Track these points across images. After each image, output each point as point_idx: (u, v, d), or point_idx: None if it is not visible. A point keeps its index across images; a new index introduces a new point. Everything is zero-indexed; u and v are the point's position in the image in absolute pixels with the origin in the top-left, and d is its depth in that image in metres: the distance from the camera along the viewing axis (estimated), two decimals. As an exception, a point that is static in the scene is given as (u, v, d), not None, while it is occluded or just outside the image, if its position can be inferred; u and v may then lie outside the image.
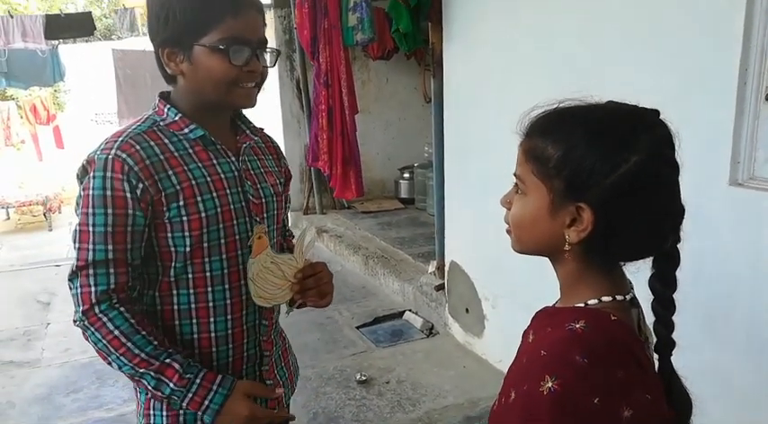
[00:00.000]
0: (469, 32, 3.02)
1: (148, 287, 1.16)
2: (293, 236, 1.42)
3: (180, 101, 1.16)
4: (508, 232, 0.84)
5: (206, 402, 1.09)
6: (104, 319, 1.06)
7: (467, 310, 3.35)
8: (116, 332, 1.06)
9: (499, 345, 3.10)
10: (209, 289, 1.16)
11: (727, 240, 1.81)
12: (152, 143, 1.10)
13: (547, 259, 0.82)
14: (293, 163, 5.71)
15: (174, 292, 1.15)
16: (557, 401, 0.66)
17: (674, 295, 0.78)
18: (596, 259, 0.77)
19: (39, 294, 4.70)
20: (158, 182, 1.08)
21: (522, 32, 2.65)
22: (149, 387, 1.08)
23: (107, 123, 8.93)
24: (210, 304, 1.17)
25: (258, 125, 1.31)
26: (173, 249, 1.12)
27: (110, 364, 1.09)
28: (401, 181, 6.21)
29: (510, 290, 2.94)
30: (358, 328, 3.74)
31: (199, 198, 1.11)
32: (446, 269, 3.52)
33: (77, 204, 1.09)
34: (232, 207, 1.15)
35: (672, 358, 0.80)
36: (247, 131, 1.25)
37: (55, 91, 9.87)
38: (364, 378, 3.07)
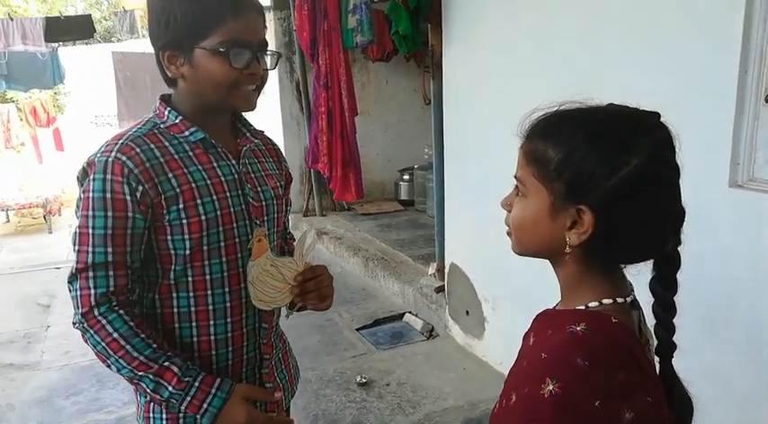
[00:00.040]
0: (469, 34, 3.02)
1: (148, 289, 1.16)
2: (294, 239, 1.42)
3: (180, 104, 1.16)
4: (509, 234, 0.84)
5: (204, 406, 1.09)
6: (103, 321, 1.06)
7: (467, 312, 3.35)
8: (115, 335, 1.06)
9: (499, 347, 3.10)
10: (209, 292, 1.16)
11: (727, 241, 1.81)
12: (152, 145, 1.10)
13: (547, 261, 0.82)
14: (293, 165, 5.71)
15: (174, 295, 1.15)
16: (558, 403, 0.66)
17: (674, 298, 0.78)
18: (597, 261, 0.77)
19: (39, 296, 4.69)
20: (158, 185, 1.08)
21: (522, 35, 2.66)
22: (148, 390, 1.07)
23: (107, 125, 8.94)
24: (210, 307, 1.16)
25: (258, 127, 1.31)
26: (172, 252, 1.12)
27: (109, 366, 1.09)
28: (401, 183, 6.21)
29: (510, 292, 2.94)
30: (358, 330, 3.74)
31: (199, 201, 1.11)
32: (446, 270, 3.52)
33: (77, 206, 1.09)
34: (232, 209, 1.15)
35: (673, 361, 0.80)
36: (248, 134, 1.25)
37: (55, 93, 9.88)
38: (364, 380, 3.06)
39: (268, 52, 1.14)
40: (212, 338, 1.18)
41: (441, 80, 3.29)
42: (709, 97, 1.82)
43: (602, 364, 0.68)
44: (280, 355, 1.34)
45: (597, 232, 0.73)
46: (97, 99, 8.78)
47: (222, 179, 1.15)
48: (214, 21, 1.05)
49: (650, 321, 0.82)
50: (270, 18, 5.67)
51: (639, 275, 0.80)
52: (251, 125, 1.28)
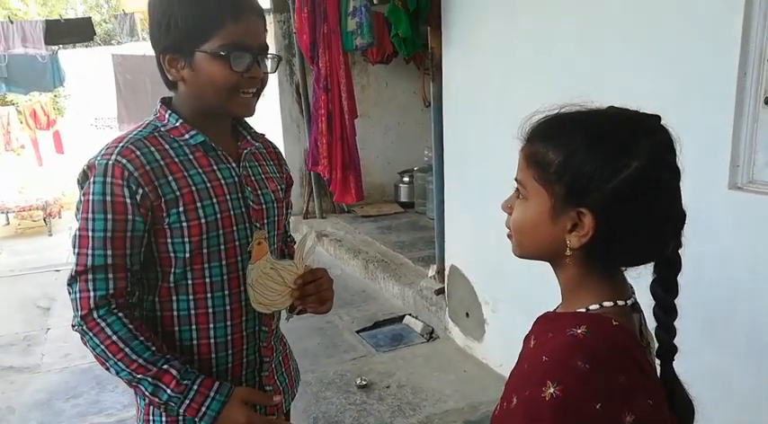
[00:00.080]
0: (469, 37, 3.03)
1: (148, 292, 1.16)
2: (295, 242, 1.42)
3: (181, 107, 1.16)
4: (509, 236, 0.84)
5: (203, 409, 1.08)
6: (102, 324, 1.06)
7: (467, 314, 3.35)
8: (114, 338, 1.06)
9: (499, 349, 3.10)
10: (209, 295, 1.16)
11: (726, 243, 1.81)
12: (152, 148, 1.10)
13: (547, 263, 0.82)
14: (293, 167, 5.71)
15: (174, 298, 1.15)
16: (559, 406, 0.66)
17: (675, 301, 0.78)
18: (597, 264, 0.77)
19: (39, 299, 4.69)
20: (158, 188, 1.08)
21: (522, 37, 2.66)
22: (147, 393, 1.07)
23: (107, 128, 8.95)
24: (210, 310, 1.16)
25: (258, 130, 1.31)
26: (172, 254, 1.12)
27: (108, 369, 1.09)
28: (401, 185, 6.21)
29: (510, 294, 2.94)
30: (358, 332, 3.74)
31: (198, 204, 1.11)
32: (446, 273, 3.52)
33: (77, 209, 1.09)
34: (232, 212, 1.15)
35: (673, 363, 0.80)
36: (248, 137, 1.25)
37: (55, 96, 9.89)
38: (365, 383, 3.06)
39: (268, 55, 1.15)
40: (212, 341, 1.18)
41: (440, 82, 3.30)
42: (709, 99, 1.82)
43: (602, 367, 0.68)
44: (280, 358, 1.34)
45: (598, 234, 0.73)
46: (97, 101, 8.79)
47: (222, 182, 1.15)
48: (214, 24, 1.06)
49: (651, 323, 0.82)
50: (269, 21, 5.68)
51: (640, 278, 0.80)
52: (251, 128, 1.28)
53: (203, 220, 1.11)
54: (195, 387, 1.08)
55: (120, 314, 1.07)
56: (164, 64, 1.11)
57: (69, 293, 1.10)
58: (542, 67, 2.53)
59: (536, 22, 2.56)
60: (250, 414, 1.12)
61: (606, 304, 0.76)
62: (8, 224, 7.69)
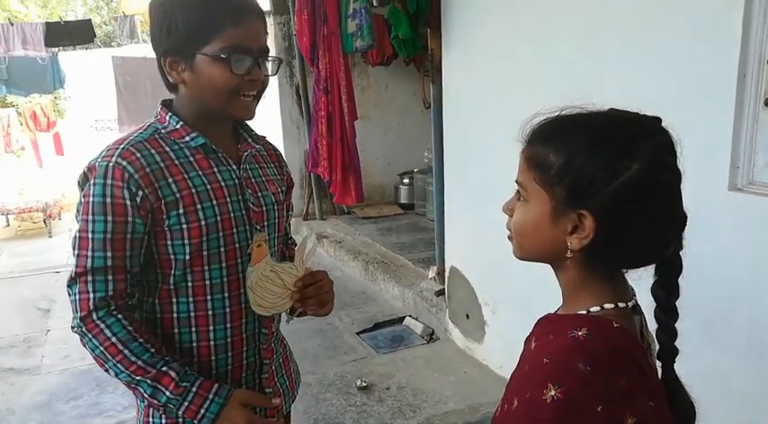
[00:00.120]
0: (468, 39, 3.03)
1: (148, 294, 1.16)
2: (296, 244, 1.42)
3: (182, 109, 1.16)
4: (510, 238, 0.84)
5: (202, 411, 1.08)
6: (102, 326, 1.06)
7: (467, 315, 3.35)
8: (113, 339, 1.06)
9: (500, 350, 3.10)
10: (209, 297, 1.16)
11: (726, 245, 1.81)
12: (153, 150, 1.10)
13: (548, 264, 0.82)
14: (293, 168, 5.71)
15: (174, 300, 1.15)
16: (560, 409, 0.66)
17: (676, 302, 0.78)
18: (598, 266, 0.77)
19: (38, 301, 4.69)
20: (158, 190, 1.08)
21: (522, 39, 2.66)
22: (146, 395, 1.07)
23: (107, 130, 8.95)
24: (210, 312, 1.16)
25: (258, 132, 1.31)
26: (172, 257, 1.12)
27: (107, 371, 1.09)
28: (401, 187, 6.21)
29: (510, 296, 2.94)
30: (358, 334, 3.73)
31: (198, 206, 1.11)
32: (446, 274, 3.52)
33: (78, 211, 1.09)
34: (232, 215, 1.15)
35: (674, 365, 0.80)
36: (249, 139, 1.25)
37: (55, 98, 9.89)
38: (365, 384, 3.06)
39: (269, 58, 1.15)
40: (212, 343, 1.18)
41: (440, 84, 3.30)
42: (709, 100, 1.82)
43: (603, 369, 0.68)
44: (280, 360, 1.34)
45: (598, 236, 0.73)
46: (97, 103, 8.80)
47: (222, 184, 1.15)
48: (215, 27, 1.06)
49: (651, 325, 0.82)
50: (269, 22, 5.68)
51: (641, 280, 0.80)
52: (252, 130, 1.28)
53: (203, 222, 1.11)
54: (194, 389, 1.08)
55: (120, 316, 1.07)
56: (165, 66, 1.11)
57: (69, 294, 1.10)
58: (542, 69, 2.53)
59: (536, 24, 2.56)
60: (249, 416, 1.12)
61: (607, 306, 0.76)
62: (8, 225, 7.69)
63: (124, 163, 1.06)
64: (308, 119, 5.55)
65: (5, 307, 4.61)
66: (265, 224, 1.22)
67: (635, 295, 0.81)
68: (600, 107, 0.78)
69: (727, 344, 1.86)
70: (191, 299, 1.15)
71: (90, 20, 7.34)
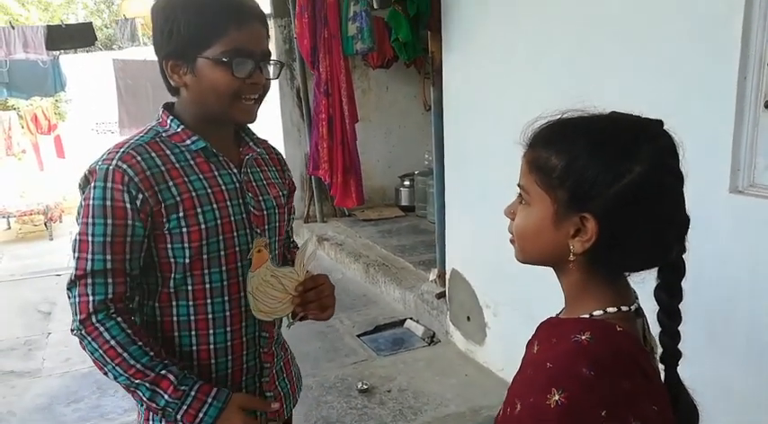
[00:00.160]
0: (469, 41, 3.03)
1: (148, 297, 1.16)
2: (297, 247, 1.42)
3: (183, 113, 1.16)
4: (512, 242, 0.84)
5: (200, 415, 1.08)
6: (101, 329, 1.06)
7: (468, 318, 3.34)
8: (112, 342, 1.06)
9: (501, 353, 3.09)
10: (209, 301, 1.15)
11: (727, 247, 1.81)
12: (153, 154, 1.10)
13: (549, 267, 0.82)
14: (294, 171, 5.68)
15: (174, 303, 1.15)
16: (564, 414, 0.66)
17: (679, 305, 0.78)
18: (601, 269, 0.76)
19: (39, 303, 4.69)
20: (158, 193, 1.08)
21: (522, 41, 2.66)
22: (144, 398, 1.07)
23: (108, 132, 8.95)
24: (210, 315, 1.16)
25: (259, 134, 1.31)
26: (172, 260, 1.12)
27: (106, 374, 1.09)
28: (401, 189, 6.21)
29: (511, 298, 2.94)
30: (359, 336, 3.73)
31: (199, 210, 1.11)
32: (447, 276, 3.52)
33: (78, 213, 1.09)
34: (232, 218, 1.15)
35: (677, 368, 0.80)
36: (251, 143, 1.25)
37: (56, 100, 9.91)
38: (365, 387, 3.05)
39: (271, 62, 1.15)
40: (211, 346, 1.18)
41: (441, 86, 3.30)
42: (709, 101, 1.82)
43: (607, 373, 0.68)
44: (281, 363, 1.33)
45: (601, 239, 0.73)
46: (98, 106, 8.80)
47: (223, 187, 1.15)
48: (217, 31, 1.06)
49: (653, 327, 0.81)
50: (270, 25, 5.69)
51: (644, 283, 0.80)
52: (254, 134, 1.28)
53: (203, 226, 1.11)
54: (193, 393, 1.08)
55: (119, 319, 1.07)
56: (166, 70, 1.12)
57: (69, 297, 1.10)
58: (542, 70, 2.53)
59: (536, 25, 2.56)
60: (248, 420, 1.12)
61: (610, 309, 0.76)
62: (9, 228, 7.70)
63: (124, 166, 1.06)
64: (308, 122, 5.56)
65: (6, 310, 4.61)
66: (266, 227, 1.22)
67: (637, 299, 0.81)
68: (601, 109, 0.78)
69: (727, 345, 1.86)
70: (191, 302, 1.15)
71: (91, 23, 7.35)
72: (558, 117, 0.78)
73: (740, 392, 1.83)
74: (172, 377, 1.07)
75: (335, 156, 4.69)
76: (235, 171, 1.18)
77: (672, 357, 0.79)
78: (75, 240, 1.08)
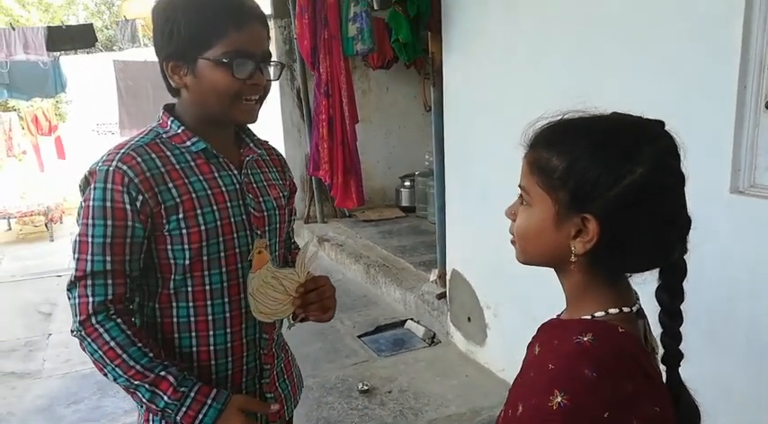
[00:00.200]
0: (469, 42, 3.03)
1: (148, 298, 1.16)
2: (298, 249, 1.42)
3: (184, 114, 1.16)
4: (513, 243, 0.83)
5: (200, 416, 1.08)
6: (101, 330, 1.06)
7: (468, 318, 3.34)
8: (112, 343, 1.06)
9: (501, 354, 3.09)
10: (209, 302, 1.15)
11: (727, 247, 1.81)
12: (154, 155, 1.10)
13: (550, 268, 0.82)
14: (294, 172, 5.69)
15: (174, 304, 1.15)
16: (566, 415, 0.65)
17: (680, 306, 0.78)
18: (602, 270, 0.76)
19: (40, 304, 4.69)
20: (158, 195, 1.08)
21: (522, 41, 2.66)
22: (144, 399, 1.07)
23: (108, 133, 8.96)
24: (210, 317, 1.16)
25: (259, 135, 1.31)
26: (172, 261, 1.12)
27: (105, 375, 1.09)
28: (402, 190, 6.21)
29: (512, 299, 2.93)
30: (359, 337, 3.73)
31: (199, 211, 1.11)
32: (447, 277, 3.52)
33: (78, 214, 1.09)
34: (232, 220, 1.15)
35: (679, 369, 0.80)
36: (251, 144, 1.25)
37: (56, 102, 9.92)
38: (366, 388, 3.05)
39: (271, 62, 1.15)
40: (211, 348, 1.17)
41: (441, 87, 3.30)
42: (710, 101, 1.82)
43: (609, 374, 0.68)
44: (282, 365, 1.33)
45: (602, 240, 0.73)
46: (99, 107, 8.81)
47: (223, 189, 1.15)
48: (217, 32, 1.06)
49: (654, 328, 0.81)
50: (270, 26, 5.68)
51: (645, 284, 0.80)
52: (255, 135, 1.28)
53: (203, 227, 1.11)
54: (192, 394, 1.08)
55: (119, 320, 1.07)
56: (167, 71, 1.12)
57: (69, 298, 1.10)
58: (543, 70, 2.53)
59: (536, 26, 2.56)
60: (247, 422, 1.11)
61: (612, 310, 0.76)
62: (10, 229, 7.70)
63: (124, 167, 1.06)
64: (308, 123, 5.56)
65: (7, 311, 4.61)
66: (266, 229, 1.21)
67: (638, 299, 0.81)
68: (602, 110, 0.78)
69: (727, 345, 1.86)
70: (191, 304, 1.15)
71: (91, 24, 7.36)
72: (559, 118, 0.78)
73: (740, 392, 1.83)
74: (171, 379, 1.07)
75: (336, 157, 4.70)
76: (235, 172, 1.18)
77: (673, 357, 0.79)
78: (75, 241, 1.08)
